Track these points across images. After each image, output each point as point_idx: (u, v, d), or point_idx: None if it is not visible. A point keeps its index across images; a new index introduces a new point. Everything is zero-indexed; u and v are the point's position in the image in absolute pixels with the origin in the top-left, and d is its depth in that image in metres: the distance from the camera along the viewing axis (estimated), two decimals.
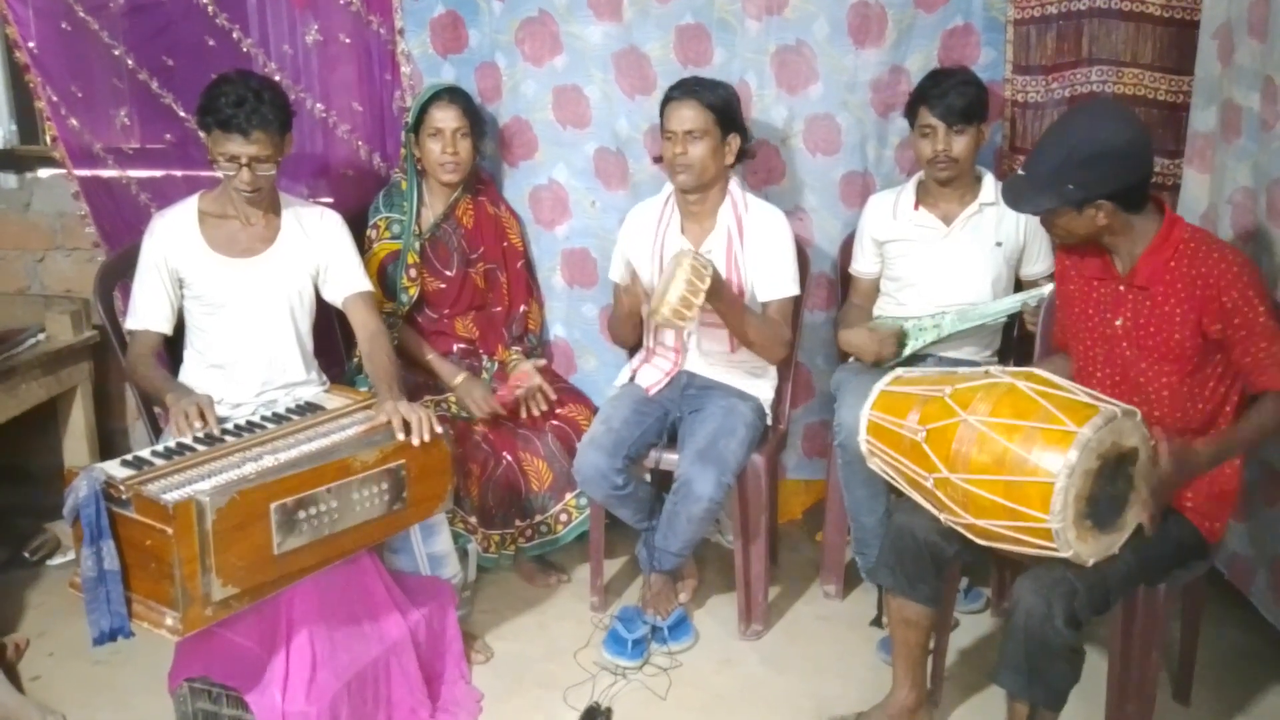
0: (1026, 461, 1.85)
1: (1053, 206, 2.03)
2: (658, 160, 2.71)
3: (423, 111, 2.80)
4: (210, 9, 2.95)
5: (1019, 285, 2.75)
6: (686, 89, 2.60)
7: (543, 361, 2.99)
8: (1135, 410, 1.91)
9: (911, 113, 2.62)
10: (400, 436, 2.14)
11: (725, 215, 2.68)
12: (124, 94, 3.03)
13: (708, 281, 2.36)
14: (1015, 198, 2.10)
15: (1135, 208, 2.03)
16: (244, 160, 2.33)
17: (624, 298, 2.68)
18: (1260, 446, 2.10)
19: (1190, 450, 1.94)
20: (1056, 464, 1.81)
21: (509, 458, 2.79)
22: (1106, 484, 1.87)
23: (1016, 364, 2.58)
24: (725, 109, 2.60)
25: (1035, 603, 1.91)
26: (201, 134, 2.38)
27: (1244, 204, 2.40)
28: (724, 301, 2.51)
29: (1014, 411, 1.90)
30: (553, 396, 2.85)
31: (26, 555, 3.03)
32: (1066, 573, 1.91)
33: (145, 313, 2.46)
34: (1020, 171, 2.13)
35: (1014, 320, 2.74)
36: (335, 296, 2.56)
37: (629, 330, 2.78)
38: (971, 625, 2.73)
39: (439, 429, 2.19)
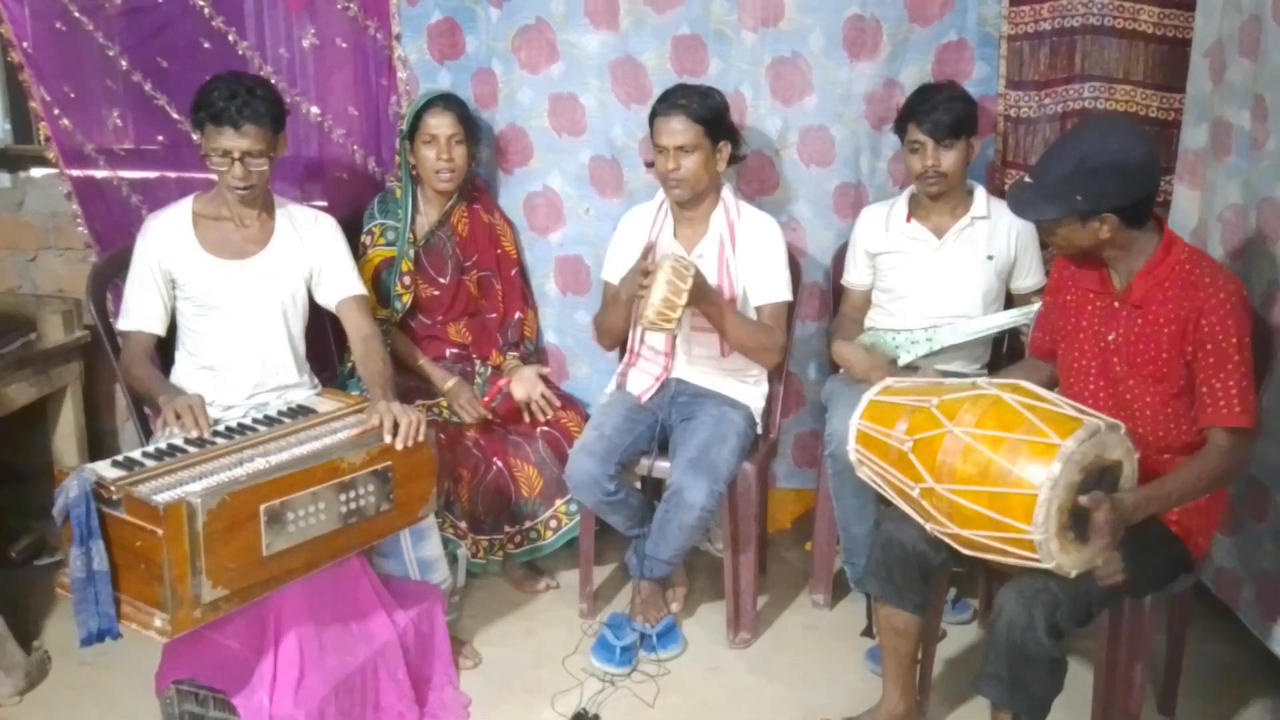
0: (1010, 473, 1.86)
1: (1058, 216, 2.02)
2: (650, 165, 2.71)
3: (417, 118, 2.81)
4: (206, 11, 2.95)
5: (1009, 298, 2.76)
6: (673, 102, 2.58)
7: (547, 369, 2.95)
8: (1119, 424, 1.92)
9: (900, 128, 2.64)
10: (387, 439, 2.14)
11: (718, 221, 2.69)
12: (117, 95, 3.02)
13: (689, 283, 2.36)
14: (1021, 205, 2.09)
15: (1138, 224, 2.03)
16: (236, 154, 2.32)
17: (622, 293, 2.62)
18: (1202, 494, 2.03)
19: (1117, 504, 1.87)
20: (1040, 476, 1.82)
21: (499, 463, 2.79)
22: None
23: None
24: (714, 118, 2.60)
25: (1017, 612, 1.92)
26: (195, 134, 2.38)
27: (1234, 221, 2.42)
28: (710, 304, 2.52)
29: (999, 423, 1.91)
30: (557, 404, 2.84)
31: (13, 555, 3.01)
32: (1049, 583, 1.92)
33: (138, 313, 2.46)
34: (1028, 179, 2.11)
35: (1003, 334, 2.76)
36: (328, 300, 2.56)
37: (616, 326, 2.73)
38: (959, 636, 2.74)
39: (425, 434, 2.18)
